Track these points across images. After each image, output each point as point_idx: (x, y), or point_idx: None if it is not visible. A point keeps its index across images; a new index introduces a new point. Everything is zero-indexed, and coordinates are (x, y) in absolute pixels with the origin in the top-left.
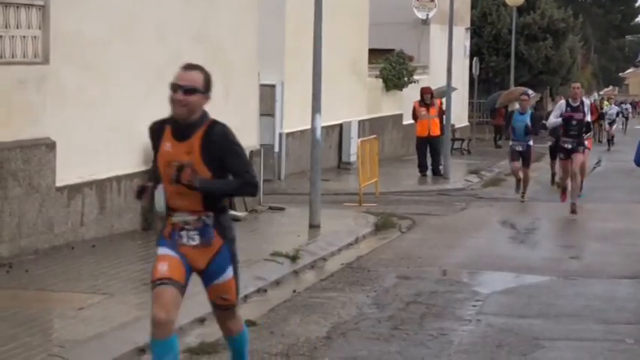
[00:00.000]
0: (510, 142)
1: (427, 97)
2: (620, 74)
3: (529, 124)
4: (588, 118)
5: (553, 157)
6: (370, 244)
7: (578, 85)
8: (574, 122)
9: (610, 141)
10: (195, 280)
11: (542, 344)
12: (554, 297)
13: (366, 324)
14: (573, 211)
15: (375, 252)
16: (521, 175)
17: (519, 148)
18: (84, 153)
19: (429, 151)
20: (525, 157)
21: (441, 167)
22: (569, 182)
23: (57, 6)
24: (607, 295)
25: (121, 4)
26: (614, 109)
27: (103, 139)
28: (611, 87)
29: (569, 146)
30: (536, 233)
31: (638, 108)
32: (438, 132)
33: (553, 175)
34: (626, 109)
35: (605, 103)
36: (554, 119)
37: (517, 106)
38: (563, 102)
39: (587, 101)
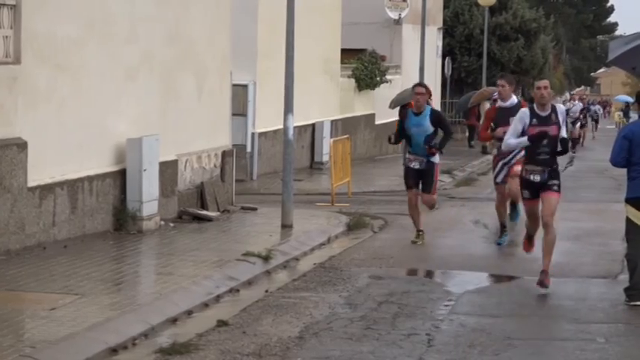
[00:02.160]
0: (406, 156)
1: None
2: (592, 74)
3: (431, 129)
4: (564, 132)
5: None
6: (342, 244)
7: (545, 82)
8: (544, 141)
9: (575, 141)
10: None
11: (514, 344)
12: (526, 296)
13: (338, 324)
14: (542, 284)
15: (348, 252)
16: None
17: (416, 165)
18: (56, 153)
19: None
20: (426, 180)
21: None
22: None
23: (29, 6)
24: (579, 294)
25: (93, 4)
26: (578, 105)
27: (75, 139)
28: (582, 87)
29: (538, 179)
30: (508, 233)
31: (608, 108)
32: None
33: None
34: (596, 111)
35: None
36: (513, 139)
37: (487, 105)
38: (526, 111)
39: (561, 107)
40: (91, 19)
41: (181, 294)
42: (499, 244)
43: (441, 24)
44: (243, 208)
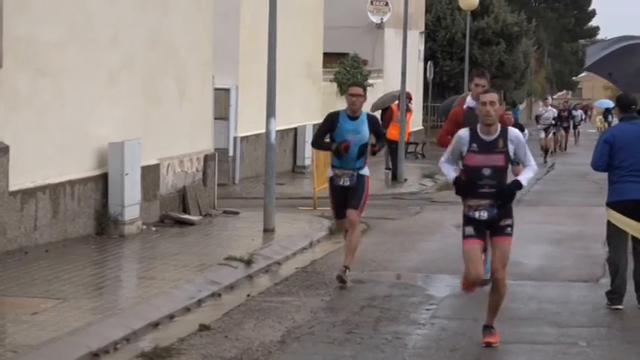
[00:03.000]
0: (331, 172)
1: (407, 102)
2: (573, 78)
3: (367, 137)
4: (527, 176)
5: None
6: (325, 248)
7: (491, 97)
8: (486, 171)
9: (545, 153)
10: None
11: (496, 347)
12: (508, 300)
13: (320, 328)
14: (488, 344)
15: (330, 256)
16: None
17: (346, 182)
18: (37, 157)
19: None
20: (354, 195)
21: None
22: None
23: (10, 10)
24: (560, 298)
25: (75, 8)
26: (550, 112)
27: (57, 143)
28: (564, 91)
29: (485, 215)
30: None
31: (590, 112)
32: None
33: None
34: (577, 116)
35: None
36: (447, 165)
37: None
38: (466, 132)
39: (514, 133)
40: (73, 24)
41: (163, 298)
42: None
43: (423, 28)
44: (225, 212)
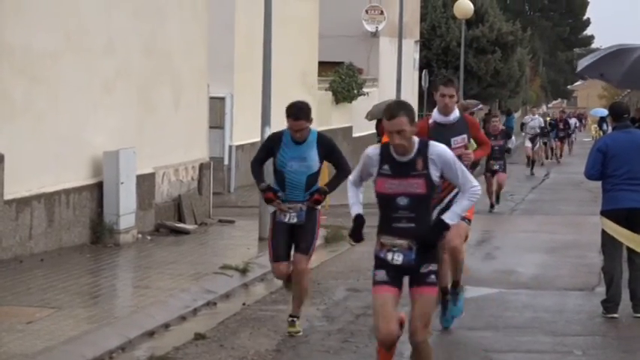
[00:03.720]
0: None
1: None
2: (568, 87)
3: (318, 164)
4: (453, 216)
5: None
6: (320, 257)
7: (397, 126)
8: (401, 201)
9: (532, 163)
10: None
11: (491, 356)
12: (503, 309)
13: (315, 337)
14: None
15: (325, 265)
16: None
17: (293, 218)
18: (32, 166)
19: None
20: (303, 237)
21: None
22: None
23: (5, 18)
24: (556, 307)
25: (70, 17)
26: (537, 120)
27: (52, 152)
28: (559, 99)
29: (400, 260)
30: (485, 245)
31: (584, 120)
32: None
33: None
34: (571, 125)
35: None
36: (352, 189)
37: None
38: (375, 151)
39: (439, 150)
40: (68, 32)
41: (159, 307)
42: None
43: (418, 37)
44: (220, 220)
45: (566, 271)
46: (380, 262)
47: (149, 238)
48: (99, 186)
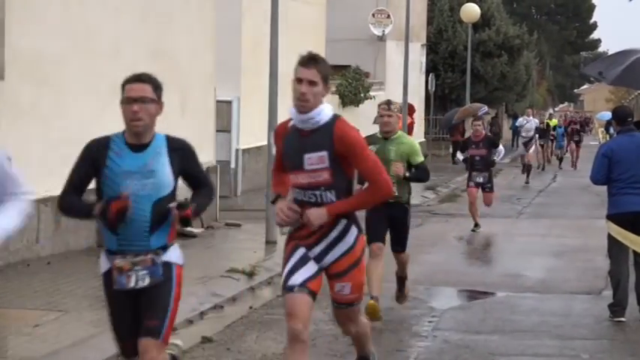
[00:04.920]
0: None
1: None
2: (575, 90)
3: (171, 183)
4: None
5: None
6: None
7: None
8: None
9: (528, 171)
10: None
11: None
12: (510, 313)
13: (322, 340)
14: None
15: None
16: None
17: (131, 282)
18: (39, 169)
19: None
20: (152, 312)
21: None
22: None
23: (13, 22)
24: (563, 310)
25: (78, 20)
26: (532, 122)
27: (59, 155)
28: (566, 103)
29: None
30: (492, 249)
31: (591, 124)
32: None
33: None
34: (574, 129)
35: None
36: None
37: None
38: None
39: None
40: (75, 36)
41: None
42: None
43: (424, 40)
44: (227, 224)
45: (573, 274)
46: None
47: None
48: None
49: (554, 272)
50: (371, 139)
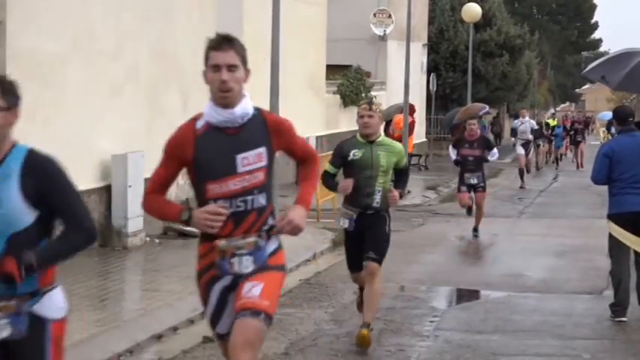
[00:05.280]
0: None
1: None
2: (576, 90)
3: (28, 221)
4: None
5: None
6: (328, 260)
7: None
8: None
9: (522, 174)
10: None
11: None
12: (512, 312)
13: (324, 340)
14: None
15: (333, 268)
16: None
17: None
18: None
19: None
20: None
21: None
22: None
23: (14, 22)
24: (564, 310)
25: (79, 20)
26: (528, 123)
27: (60, 156)
28: (567, 103)
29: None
30: (493, 249)
31: (592, 124)
32: None
33: None
34: (578, 129)
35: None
36: None
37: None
38: None
39: None
40: (76, 36)
41: (167, 310)
42: None
43: (425, 40)
44: None
45: (575, 274)
46: None
47: (157, 241)
48: (107, 189)
49: (556, 272)
50: (349, 144)
